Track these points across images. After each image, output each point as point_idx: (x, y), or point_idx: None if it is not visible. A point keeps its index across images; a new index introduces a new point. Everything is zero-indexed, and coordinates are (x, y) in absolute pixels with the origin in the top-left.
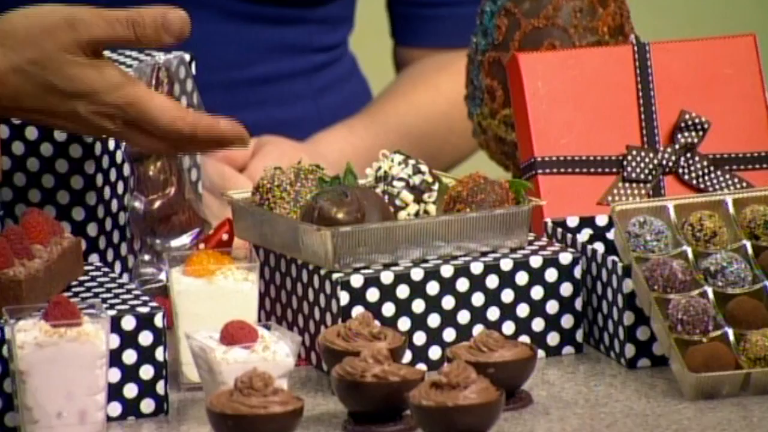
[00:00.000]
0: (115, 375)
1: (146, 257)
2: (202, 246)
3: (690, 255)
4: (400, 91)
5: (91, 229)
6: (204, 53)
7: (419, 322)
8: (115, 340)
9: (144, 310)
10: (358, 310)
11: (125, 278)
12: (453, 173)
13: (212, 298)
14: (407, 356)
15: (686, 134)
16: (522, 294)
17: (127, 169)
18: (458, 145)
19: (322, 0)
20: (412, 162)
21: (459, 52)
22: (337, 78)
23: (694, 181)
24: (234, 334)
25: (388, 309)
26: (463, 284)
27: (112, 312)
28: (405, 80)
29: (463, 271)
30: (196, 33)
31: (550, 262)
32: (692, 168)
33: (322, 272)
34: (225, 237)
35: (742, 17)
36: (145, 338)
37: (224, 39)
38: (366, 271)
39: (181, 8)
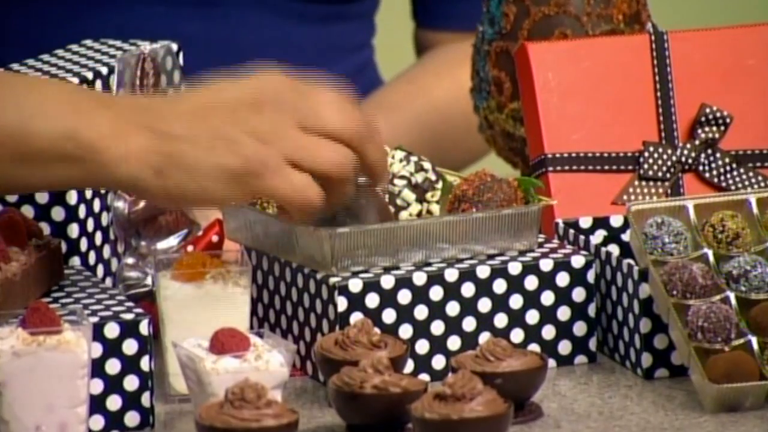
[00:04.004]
0: (97, 386)
1: (131, 260)
2: (190, 248)
3: (711, 258)
4: (418, 83)
5: (72, 231)
6: (258, 56)
7: (422, 329)
8: (97, 349)
9: (128, 316)
10: (356, 317)
11: (108, 283)
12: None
13: (201, 303)
14: (409, 366)
15: (707, 129)
16: (531, 299)
17: None
18: (472, 146)
19: None
20: (414, 159)
21: None
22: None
23: (716, 180)
24: (224, 342)
25: (389, 315)
26: (468, 289)
27: (95, 319)
28: (425, 70)
29: (468, 275)
30: (252, 36)
31: (562, 265)
32: (713, 165)
33: (319, 276)
34: (215, 239)
35: (765, 4)
36: (130, 347)
37: (278, 41)
38: (365, 275)
39: (236, 8)
